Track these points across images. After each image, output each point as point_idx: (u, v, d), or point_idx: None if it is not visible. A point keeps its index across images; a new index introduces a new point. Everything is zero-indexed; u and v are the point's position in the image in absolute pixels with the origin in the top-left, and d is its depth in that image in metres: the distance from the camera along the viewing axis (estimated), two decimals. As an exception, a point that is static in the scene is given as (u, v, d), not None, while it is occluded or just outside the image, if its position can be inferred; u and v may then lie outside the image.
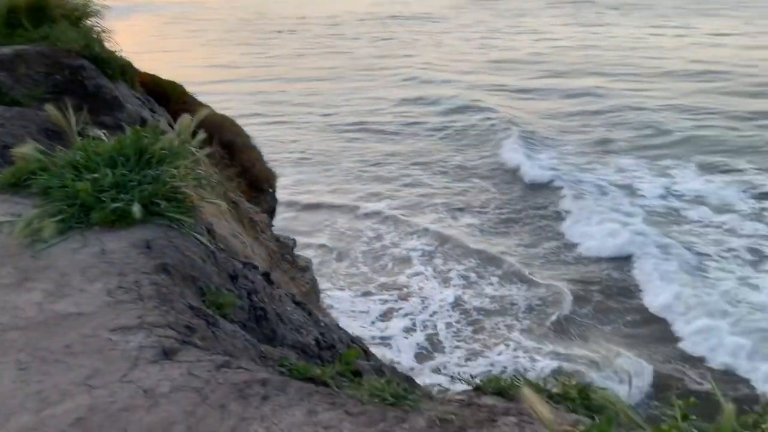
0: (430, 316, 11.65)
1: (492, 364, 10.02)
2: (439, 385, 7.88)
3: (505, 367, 9.88)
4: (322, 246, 14.93)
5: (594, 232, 14.13)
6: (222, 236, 8.19)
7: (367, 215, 16.65)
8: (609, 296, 11.84)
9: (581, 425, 1.78)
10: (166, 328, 2.31)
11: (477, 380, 2.16)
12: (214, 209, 8.88)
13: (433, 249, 14.36)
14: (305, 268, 10.77)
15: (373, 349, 9.41)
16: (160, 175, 3.34)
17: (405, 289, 12.68)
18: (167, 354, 2.14)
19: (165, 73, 10.73)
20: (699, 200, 15.96)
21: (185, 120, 3.69)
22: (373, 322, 11.56)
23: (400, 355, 10.47)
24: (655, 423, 1.73)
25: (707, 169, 18.22)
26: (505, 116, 23.82)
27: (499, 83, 30.30)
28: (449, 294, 12.29)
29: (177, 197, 3.31)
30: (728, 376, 9.34)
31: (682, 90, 26.72)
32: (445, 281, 12.90)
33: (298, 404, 1.86)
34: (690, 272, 12.24)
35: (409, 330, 11.29)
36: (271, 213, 12.15)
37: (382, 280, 13.16)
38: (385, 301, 12.31)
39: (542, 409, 1.60)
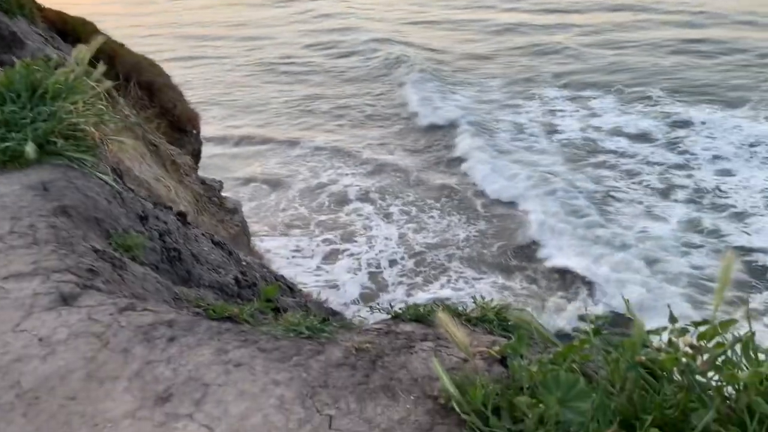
0: (376, 254, 11.66)
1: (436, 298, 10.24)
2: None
3: (447, 299, 10.12)
4: (256, 186, 14.64)
5: (496, 174, 14.23)
6: (144, 180, 7.85)
7: (299, 155, 16.36)
8: (502, 237, 12.10)
9: (497, 345, 1.77)
10: (64, 273, 2.15)
11: (396, 309, 2.12)
12: (134, 152, 8.47)
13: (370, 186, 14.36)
14: (234, 210, 10.53)
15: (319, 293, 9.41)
16: (56, 111, 3.08)
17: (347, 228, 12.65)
18: (66, 300, 2.00)
19: (75, 11, 9.97)
20: (617, 131, 16.37)
21: (81, 51, 3.40)
22: (319, 267, 11.45)
23: (346, 295, 10.46)
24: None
25: (626, 99, 18.69)
26: (418, 54, 23.60)
27: (421, 18, 29.82)
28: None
29: (76, 135, 3.07)
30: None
31: (601, 22, 26.99)
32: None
33: (207, 343, 1.78)
34: (592, 208, 12.61)
35: (353, 270, 11.26)
36: (196, 155, 11.71)
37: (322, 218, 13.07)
38: (329, 242, 12.24)
39: (456, 332, 1.57)
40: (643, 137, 15.95)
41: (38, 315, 1.92)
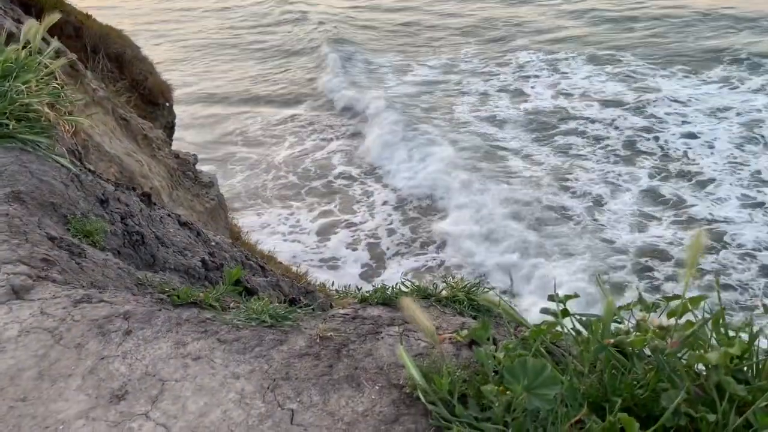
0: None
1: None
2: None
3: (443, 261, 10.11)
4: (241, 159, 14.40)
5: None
6: (115, 155, 7.67)
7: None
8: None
9: (465, 329, 1.73)
10: (16, 264, 2.05)
11: (364, 291, 2.07)
12: (104, 128, 8.26)
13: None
14: (209, 184, 10.38)
15: (319, 274, 9.25)
16: (6, 91, 2.94)
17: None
18: (17, 293, 1.91)
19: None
20: (587, 96, 16.28)
21: (31, 27, 3.23)
22: (317, 246, 11.23)
23: (345, 276, 10.29)
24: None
25: (597, 62, 18.61)
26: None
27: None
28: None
29: (29, 116, 2.94)
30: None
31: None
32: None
33: (165, 336, 1.71)
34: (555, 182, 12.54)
35: (351, 245, 11.10)
36: (170, 128, 11.47)
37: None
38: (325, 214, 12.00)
39: (421, 316, 1.52)
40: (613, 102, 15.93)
41: (-13, 310, 1.83)
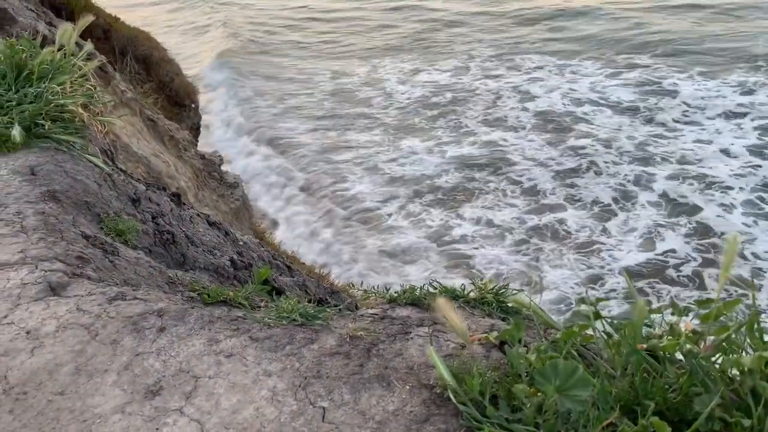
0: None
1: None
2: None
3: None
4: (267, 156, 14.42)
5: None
6: (142, 156, 7.78)
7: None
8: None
9: (495, 330, 1.73)
10: (53, 261, 2.10)
11: (393, 292, 2.08)
12: (132, 129, 8.40)
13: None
14: (234, 184, 10.49)
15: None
16: (42, 92, 3.01)
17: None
18: (54, 290, 1.95)
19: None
20: (595, 101, 15.97)
21: (66, 30, 3.30)
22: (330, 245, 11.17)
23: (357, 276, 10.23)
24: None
25: (613, 65, 18.32)
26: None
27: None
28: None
29: (64, 117, 3.00)
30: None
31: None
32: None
33: (198, 333, 1.73)
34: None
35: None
36: (196, 129, 11.61)
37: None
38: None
39: (454, 317, 1.53)
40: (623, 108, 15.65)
41: (26, 306, 1.88)
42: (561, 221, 10.83)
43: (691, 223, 10.56)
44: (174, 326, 1.76)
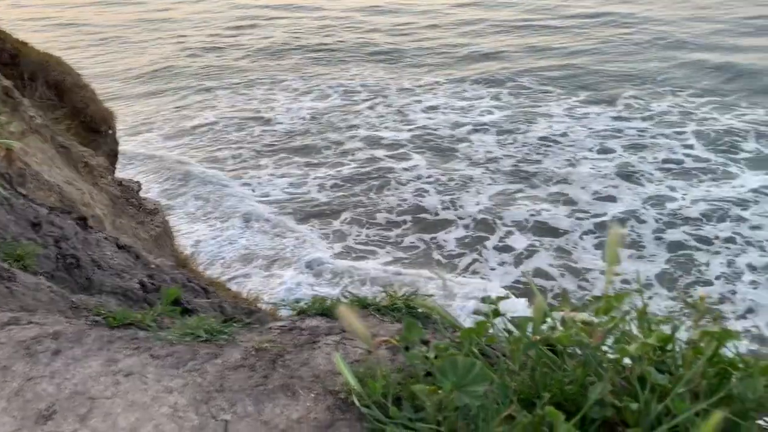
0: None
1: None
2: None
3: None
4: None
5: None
6: (54, 184, 7.46)
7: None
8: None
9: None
10: (-60, 290, 1.99)
11: (302, 304, 2.07)
12: (43, 156, 8.05)
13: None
14: (154, 211, 10.20)
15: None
16: (-69, 115, 2.85)
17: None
18: (-60, 319, 1.84)
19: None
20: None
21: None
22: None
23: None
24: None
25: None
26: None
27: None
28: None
29: (-45, 140, 2.85)
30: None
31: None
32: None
33: (96, 354, 1.67)
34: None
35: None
36: (113, 156, 11.23)
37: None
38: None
39: (356, 323, 1.54)
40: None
41: None
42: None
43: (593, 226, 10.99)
44: (70, 348, 1.70)
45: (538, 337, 1.60)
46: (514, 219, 11.19)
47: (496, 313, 1.70)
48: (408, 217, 11.58)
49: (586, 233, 10.76)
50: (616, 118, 15.73)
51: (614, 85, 17.86)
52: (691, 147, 14.01)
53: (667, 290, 9.06)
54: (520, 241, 10.58)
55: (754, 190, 12.03)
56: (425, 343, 1.62)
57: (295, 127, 16.19)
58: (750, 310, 9.00)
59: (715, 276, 9.49)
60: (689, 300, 1.76)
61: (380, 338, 1.67)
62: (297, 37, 25.33)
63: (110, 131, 11.36)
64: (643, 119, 15.56)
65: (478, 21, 25.71)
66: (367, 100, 17.95)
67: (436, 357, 1.53)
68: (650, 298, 8.56)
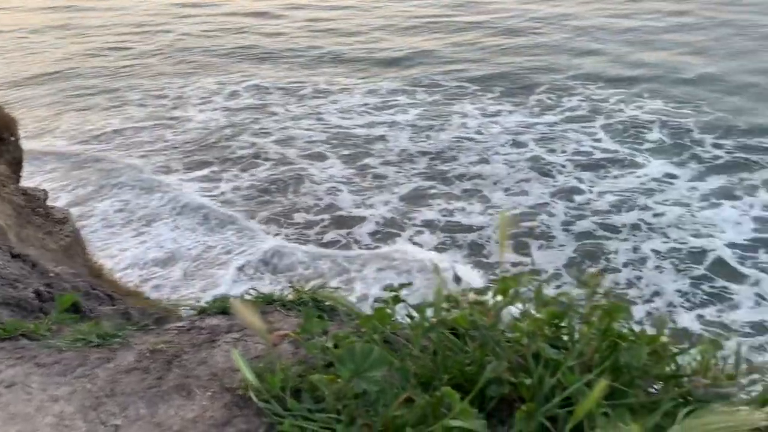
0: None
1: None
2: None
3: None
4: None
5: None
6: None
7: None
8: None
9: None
10: None
11: (203, 303, 2.02)
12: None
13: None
14: (63, 220, 9.71)
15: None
16: None
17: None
18: None
19: None
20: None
21: None
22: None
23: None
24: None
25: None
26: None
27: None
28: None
29: None
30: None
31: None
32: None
33: (-27, 366, 1.57)
34: None
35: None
36: (17, 164, 10.63)
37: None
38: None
39: (254, 319, 1.51)
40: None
41: None
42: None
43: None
44: (-56, 362, 1.58)
45: (435, 321, 1.61)
46: (425, 217, 11.36)
47: (396, 300, 1.71)
48: (326, 216, 11.54)
49: (498, 228, 11.06)
50: (528, 114, 16.24)
51: (527, 82, 18.44)
52: (599, 140, 14.64)
53: (576, 279, 9.42)
54: (431, 238, 10.75)
55: (657, 179, 12.70)
56: (326, 333, 1.61)
57: (207, 128, 15.79)
58: (656, 293, 9.48)
59: (623, 263, 9.94)
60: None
61: (279, 332, 1.64)
62: (209, 36, 24.74)
63: (12, 138, 10.75)
64: (554, 114, 16.14)
65: (394, 19, 25.93)
66: (281, 100, 17.72)
67: (335, 346, 1.52)
68: (559, 287, 8.88)
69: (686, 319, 8.80)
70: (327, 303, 2.12)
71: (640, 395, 1.50)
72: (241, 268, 10.21)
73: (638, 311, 8.93)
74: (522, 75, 19.12)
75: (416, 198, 12.03)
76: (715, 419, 1.24)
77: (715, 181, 12.43)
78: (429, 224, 11.04)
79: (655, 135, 14.64)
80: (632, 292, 9.33)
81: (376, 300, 1.70)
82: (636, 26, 23.86)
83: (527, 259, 10.01)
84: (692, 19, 24.39)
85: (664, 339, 1.62)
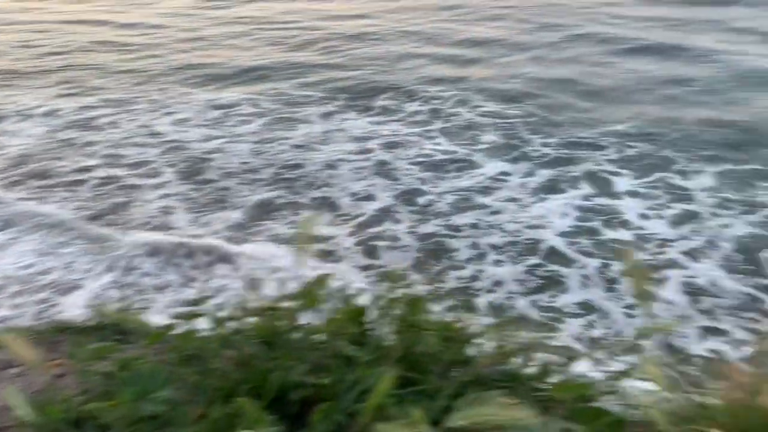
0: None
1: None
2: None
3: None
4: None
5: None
6: None
7: None
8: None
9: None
10: None
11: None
12: None
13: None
14: None
15: None
16: None
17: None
18: None
19: None
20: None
21: None
22: None
23: None
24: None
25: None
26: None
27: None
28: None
29: None
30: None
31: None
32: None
33: None
34: None
35: None
36: None
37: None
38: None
39: (22, 350, 1.39)
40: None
41: None
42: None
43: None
44: None
45: (232, 332, 1.58)
46: (271, 231, 11.26)
47: (195, 315, 1.66)
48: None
49: (348, 235, 11.21)
50: (372, 122, 16.65)
51: (371, 91, 18.89)
52: (439, 143, 15.33)
53: (421, 279, 9.79)
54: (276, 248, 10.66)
55: (492, 177, 13.52)
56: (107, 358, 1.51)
57: (26, 148, 14.52)
58: (497, 284, 10.09)
59: (465, 259, 10.47)
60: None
61: (54, 362, 1.53)
62: (29, 47, 22.76)
63: None
64: (398, 120, 16.67)
65: (240, 34, 25.45)
66: (110, 115, 16.71)
67: (121, 370, 1.44)
68: (408, 287, 9.16)
69: (523, 305, 9.43)
70: (131, 326, 2.01)
71: (432, 381, 1.56)
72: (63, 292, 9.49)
73: (482, 302, 9.48)
74: (366, 84, 19.57)
75: (261, 211, 11.87)
76: (488, 411, 1.32)
77: (544, 177, 13.47)
78: (275, 237, 10.92)
79: (489, 137, 15.58)
80: (476, 285, 9.85)
81: (176, 317, 1.63)
82: (473, 38, 25.28)
83: (377, 262, 10.24)
84: (508, 23, 26.29)
85: (458, 326, 1.71)
